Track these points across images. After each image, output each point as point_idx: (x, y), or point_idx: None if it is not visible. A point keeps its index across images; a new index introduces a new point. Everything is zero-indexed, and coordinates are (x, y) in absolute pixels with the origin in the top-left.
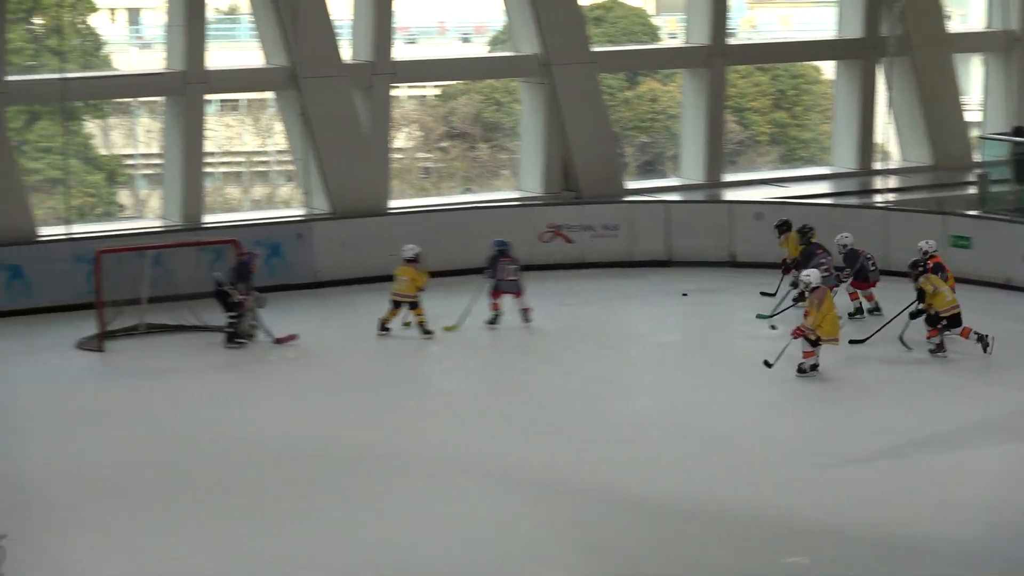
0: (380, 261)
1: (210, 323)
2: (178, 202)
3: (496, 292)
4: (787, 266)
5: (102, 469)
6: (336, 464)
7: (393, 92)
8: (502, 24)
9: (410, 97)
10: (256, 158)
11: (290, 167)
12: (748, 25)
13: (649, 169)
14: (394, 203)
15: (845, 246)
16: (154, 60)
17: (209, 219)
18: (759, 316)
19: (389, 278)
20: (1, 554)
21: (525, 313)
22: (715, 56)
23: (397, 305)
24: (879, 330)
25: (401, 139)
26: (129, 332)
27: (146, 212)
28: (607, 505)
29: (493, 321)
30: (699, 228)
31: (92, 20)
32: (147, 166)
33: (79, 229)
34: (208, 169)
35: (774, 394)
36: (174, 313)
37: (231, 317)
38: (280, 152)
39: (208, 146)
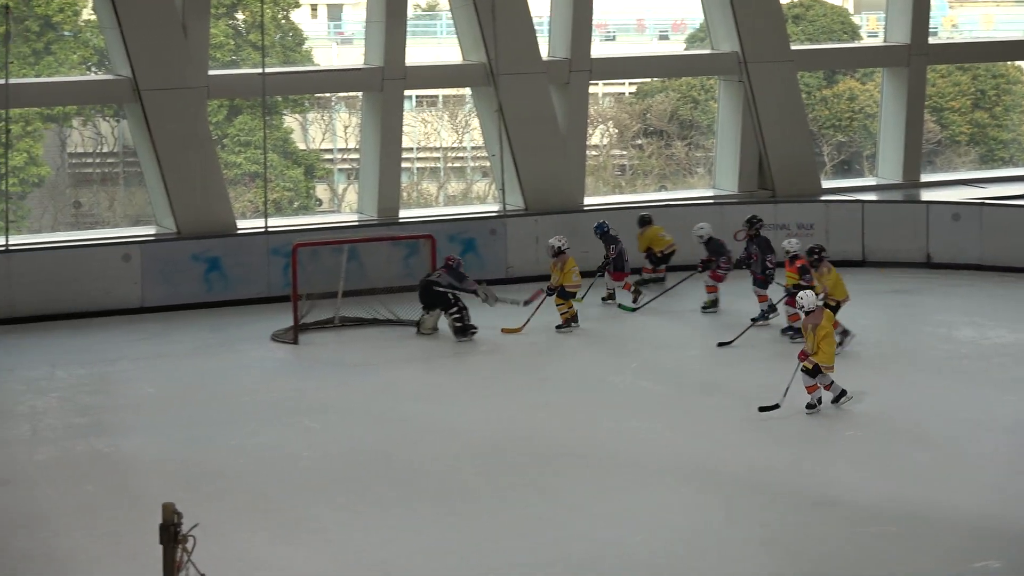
0: (574, 256)
1: (403, 317)
2: (374, 197)
3: (619, 274)
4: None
5: (297, 460)
6: (527, 459)
7: (590, 89)
8: (700, 21)
9: (606, 94)
10: (452, 154)
11: (485, 163)
12: (949, 24)
13: (845, 168)
14: (588, 200)
15: (701, 237)
16: (354, 56)
17: (405, 214)
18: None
19: (584, 273)
20: (193, 543)
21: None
22: (916, 55)
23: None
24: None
25: (596, 136)
26: (324, 325)
27: (343, 207)
28: (800, 505)
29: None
30: (895, 228)
31: (293, 16)
32: (344, 161)
33: (276, 223)
34: (405, 164)
35: (975, 393)
36: (368, 307)
37: (455, 314)
38: (476, 148)
39: (405, 141)
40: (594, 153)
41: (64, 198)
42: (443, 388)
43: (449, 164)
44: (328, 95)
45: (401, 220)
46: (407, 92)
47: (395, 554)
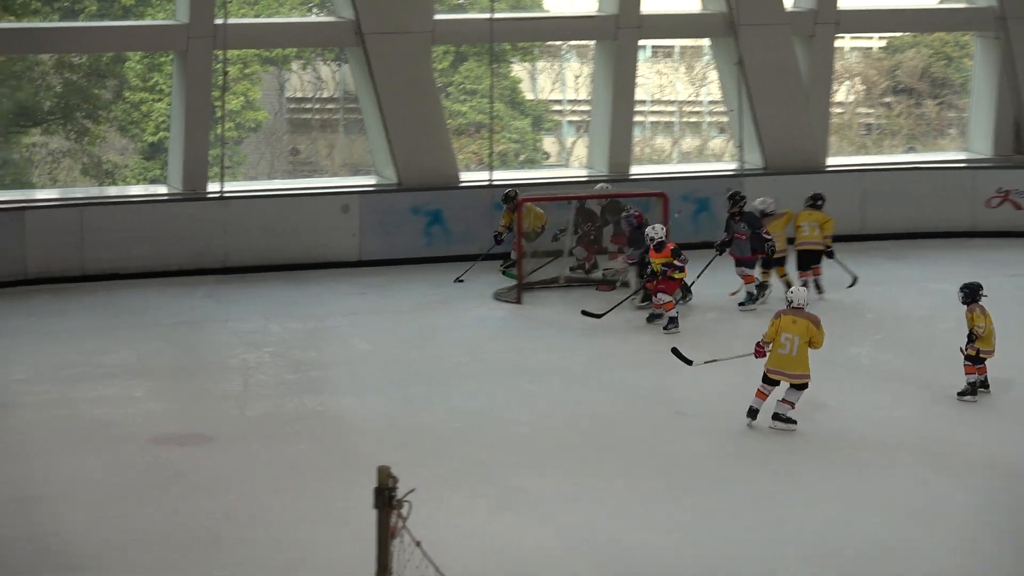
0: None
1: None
2: (604, 151)
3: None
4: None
5: (517, 426)
6: (756, 435)
7: (836, 43)
8: None
9: (853, 48)
10: (688, 108)
11: (723, 119)
12: None
13: None
14: (832, 160)
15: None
16: (587, 3)
17: (636, 170)
18: None
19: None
20: (408, 509)
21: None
22: None
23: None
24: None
25: (842, 92)
26: (548, 285)
27: (571, 161)
28: None
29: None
30: None
31: None
32: (574, 113)
33: (501, 176)
34: (638, 118)
35: None
36: (599, 268)
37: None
38: (713, 103)
39: (639, 94)
40: (839, 111)
41: (281, 145)
42: (665, 357)
43: (684, 119)
44: (558, 43)
45: (632, 176)
46: (642, 42)
47: (620, 529)
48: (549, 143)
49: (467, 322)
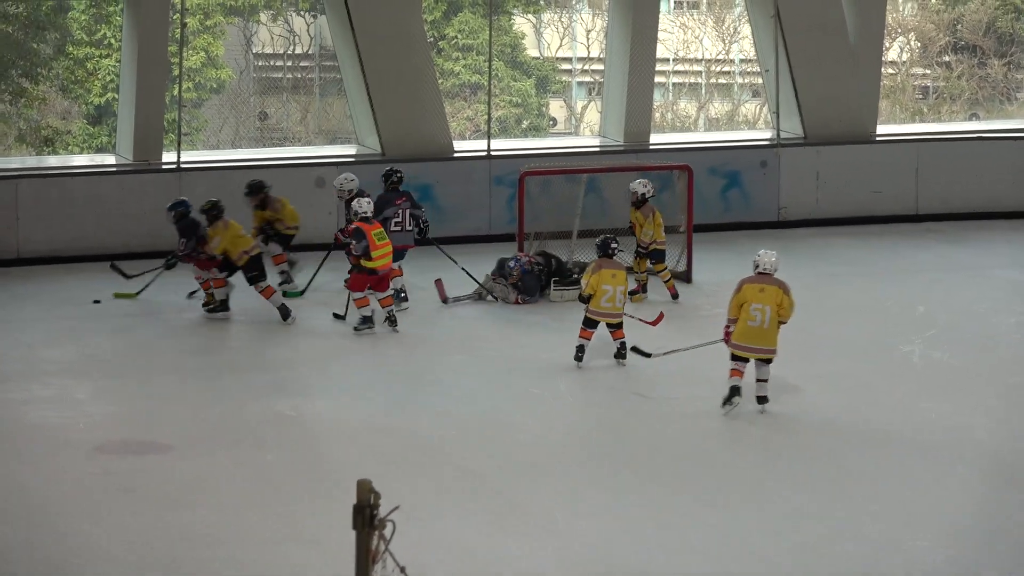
0: (860, 199)
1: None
2: (620, 118)
3: None
4: None
5: (517, 432)
6: (796, 440)
7: None
8: None
9: (908, 1)
10: (716, 68)
11: (757, 80)
12: None
13: None
14: (882, 128)
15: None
16: None
17: (657, 139)
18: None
19: (868, 220)
20: (392, 529)
21: None
22: None
23: None
24: None
25: (894, 51)
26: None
27: (581, 128)
28: None
29: None
30: None
31: None
32: (585, 73)
33: (501, 145)
34: (659, 79)
35: None
36: None
37: None
38: (745, 62)
39: (660, 51)
40: (891, 71)
41: (248, 108)
42: (693, 353)
43: (712, 80)
44: None
45: (652, 147)
46: None
47: (629, 550)
48: (556, 107)
49: (464, 314)
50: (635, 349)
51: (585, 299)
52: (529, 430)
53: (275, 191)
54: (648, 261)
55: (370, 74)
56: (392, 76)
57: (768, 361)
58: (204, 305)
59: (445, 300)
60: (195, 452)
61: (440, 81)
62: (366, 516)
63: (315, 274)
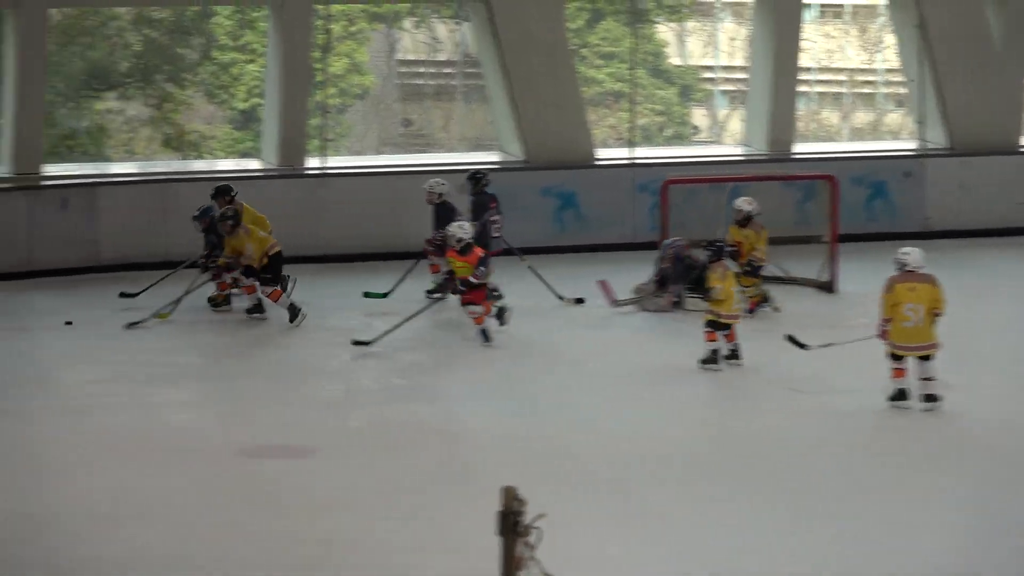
0: (1006, 210)
1: (796, 275)
2: (763, 126)
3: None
4: None
5: (661, 441)
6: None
7: None
8: None
9: None
10: (860, 77)
11: (901, 90)
12: None
13: None
14: None
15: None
16: None
17: (800, 148)
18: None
19: (1014, 232)
20: (537, 537)
21: None
22: None
23: None
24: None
25: None
26: None
27: (724, 137)
28: None
29: None
30: None
31: None
32: (728, 81)
33: (644, 153)
34: (802, 88)
35: None
36: None
37: None
38: (890, 71)
39: (804, 60)
40: None
41: (391, 114)
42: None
43: (856, 89)
44: (710, 0)
45: (795, 155)
46: (807, 0)
47: (778, 562)
48: (699, 116)
49: (603, 323)
50: (792, 339)
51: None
52: (671, 439)
53: (417, 197)
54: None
55: (514, 81)
56: (535, 83)
57: (928, 357)
58: (211, 301)
59: (614, 303)
60: (337, 457)
61: (583, 89)
62: (511, 523)
63: (402, 279)
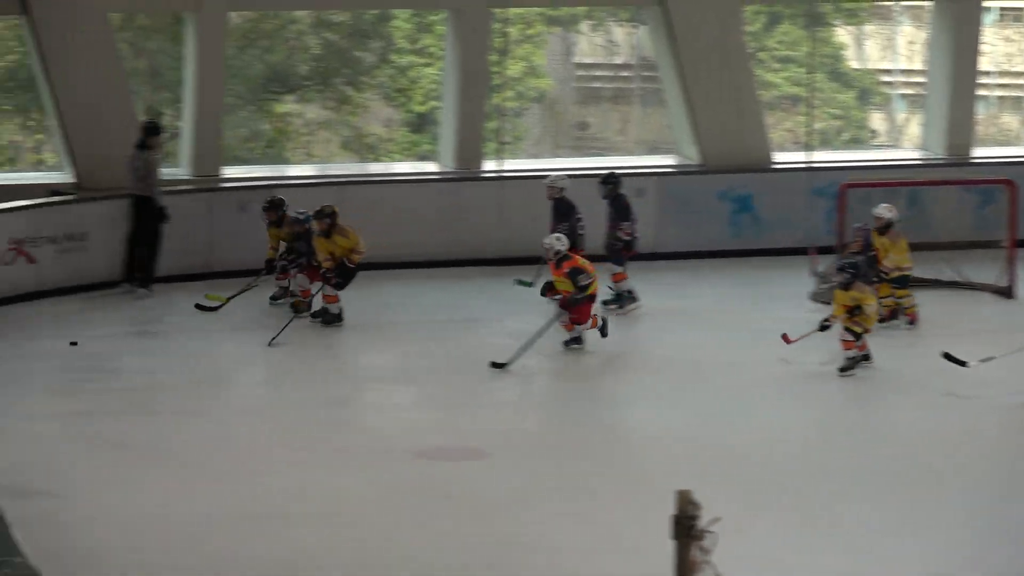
0: None
1: (975, 280)
2: (941, 130)
3: None
4: None
5: (837, 445)
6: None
7: None
8: None
9: None
10: None
11: None
12: None
13: None
14: None
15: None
16: None
17: (978, 153)
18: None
19: None
20: (712, 540)
21: None
22: None
23: None
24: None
25: None
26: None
27: (902, 141)
28: None
29: None
30: None
31: None
32: (907, 85)
33: (821, 157)
34: (981, 92)
35: None
36: (930, 265)
37: None
38: None
39: (983, 64)
40: None
41: (568, 117)
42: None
43: None
44: (889, 3)
45: (974, 160)
46: (986, 3)
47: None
48: (877, 120)
49: (778, 325)
50: (949, 356)
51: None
52: (852, 447)
53: (593, 200)
54: (891, 286)
55: (691, 85)
56: (713, 87)
57: None
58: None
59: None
60: (513, 459)
61: (760, 92)
62: (686, 527)
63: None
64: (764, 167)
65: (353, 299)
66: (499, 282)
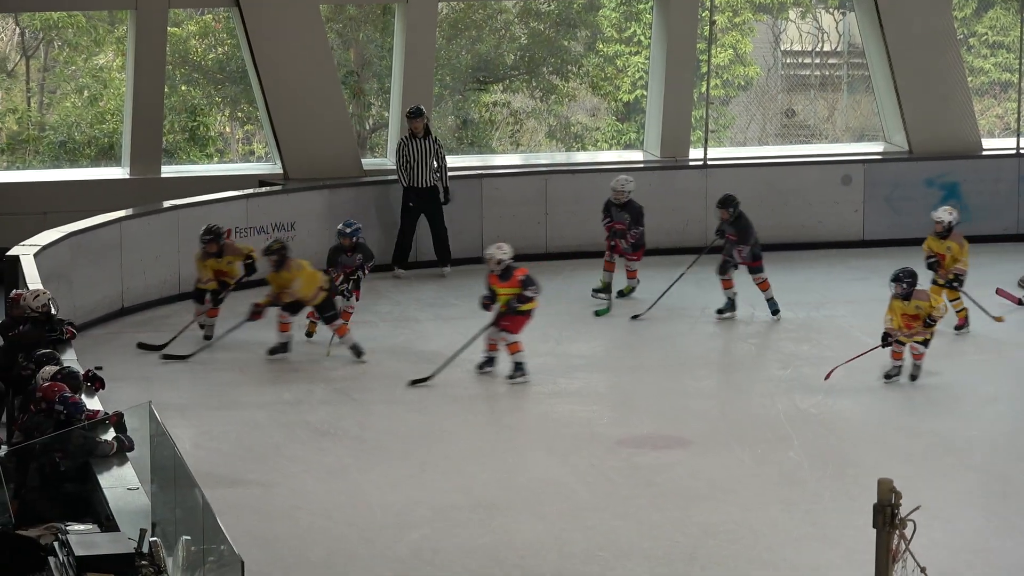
0: None
1: None
2: None
3: None
4: None
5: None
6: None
7: None
8: None
9: None
10: None
11: None
12: None
13: None
14: None
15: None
16: None
17: None
18: None
19: None
20: (912, 529)
21: None
22: None
23: None
24: None
25: None
26: None
27: None
28: None
29: None
30: None
31: None
32: None
33: None
34: None
35: None
36: None
37: None
38: None
39: None
40: None
41: (775, 105)
42: None
43: None
44: None
45: None
46: None
47: None
48: None
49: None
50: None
51: None
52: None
53: (800, 188)
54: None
55: (899, 71)
56: (921, 73)
57: None
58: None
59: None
60: (717, 447)
61: (969, 79)
62: (887, 515)
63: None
64: (972, 154)
65: (562, 287)
66: (705, 271)
